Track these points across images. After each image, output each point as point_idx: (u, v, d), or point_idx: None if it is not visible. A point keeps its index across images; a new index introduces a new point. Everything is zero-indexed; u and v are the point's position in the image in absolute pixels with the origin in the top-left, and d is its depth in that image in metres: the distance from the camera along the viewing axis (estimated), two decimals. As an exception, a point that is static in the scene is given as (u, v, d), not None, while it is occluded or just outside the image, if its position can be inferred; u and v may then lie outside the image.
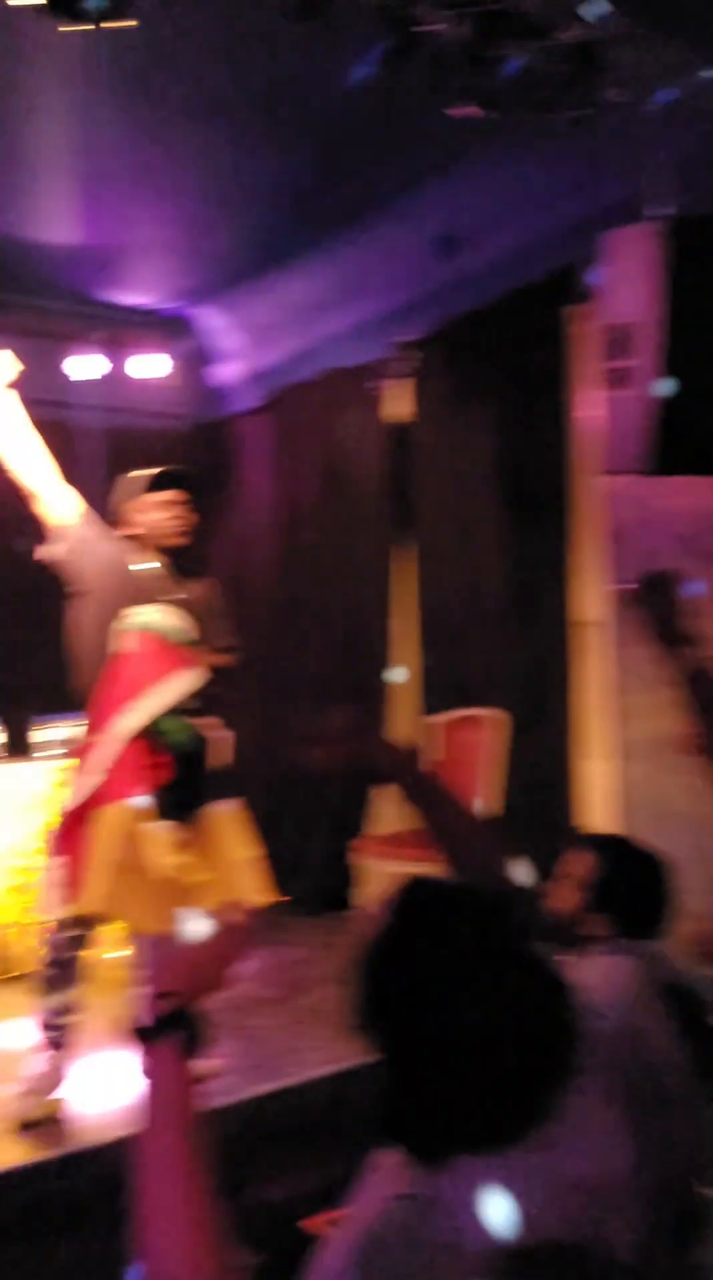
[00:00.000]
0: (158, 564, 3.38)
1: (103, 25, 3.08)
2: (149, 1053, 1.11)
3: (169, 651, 3.17)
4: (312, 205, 4.98)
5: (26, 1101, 3.12)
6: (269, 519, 5.94)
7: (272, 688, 5.79)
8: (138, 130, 4.21)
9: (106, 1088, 3.31)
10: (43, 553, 3.35)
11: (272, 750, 5.76)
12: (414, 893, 1.20)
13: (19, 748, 4.82)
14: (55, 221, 4.96)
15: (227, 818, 3.28)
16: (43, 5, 2.93)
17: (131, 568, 3.34)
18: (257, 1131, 3.07)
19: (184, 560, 3.46)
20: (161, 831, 3.10)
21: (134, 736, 3.07)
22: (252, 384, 6.22)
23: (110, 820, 3.03)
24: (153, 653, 3.14)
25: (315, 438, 5.59)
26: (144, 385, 6.23)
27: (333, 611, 5.51)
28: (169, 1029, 1.11)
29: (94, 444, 6.00)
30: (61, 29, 3.01)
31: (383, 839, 4.90)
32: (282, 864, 5.53)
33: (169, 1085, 1.10)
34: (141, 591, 3.30)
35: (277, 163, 4.53)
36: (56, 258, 5.30)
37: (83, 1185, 2.82)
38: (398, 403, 5.25)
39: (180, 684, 3.16)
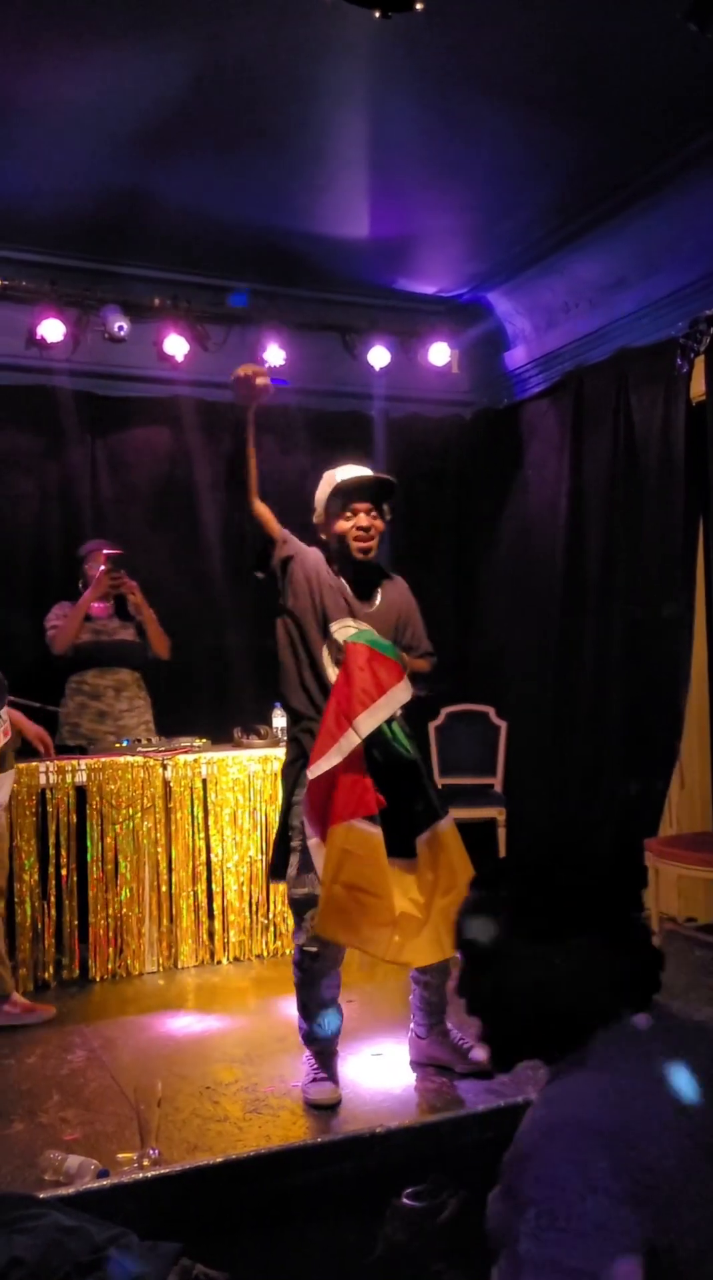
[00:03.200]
0: (345, 576, 3.32)
1: (390, 14, 3.07)
2: None
3: (388, 663, 3.15)
4: (606, 181, 4.80)
5: (304, 1088, 3.19)
6: (557, 508, 5.77)
7: (557, 680, 5.65)
8: (431, 116, 4.21)
9: (371, 1079, 3.32)
10: (258, 573, 3.39)
11: (556, 744, 5.63)
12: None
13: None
14: (352, 216, 5.06)
15: (449, 836, 3.22)
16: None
17: (328, 580, 3.30)
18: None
19: (371, 571, 3.38)
20: (390, 858, 3.08)
21: (358, 757, 3.07)
22: (540, 368, 6.09)
23: (337, 840, 3.03)
24: (377, 663, 3.12)
25: (607, 421, 5.38)
26: (432, 372, 6.25)
27: (624, 609, 5.27)
28: None
29: (384, 433, 6.10)
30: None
31: (675, 840, 4.65)
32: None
33: None
34: (337, 605, 3.27)
35: (571, 139, 4.39)
36: (351, 251, 5.40)
37: (340, 1173, 2.83)
38: (695, 381, 4.94)
39: (402, 694, 3.14)
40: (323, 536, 3.38)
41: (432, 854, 3.16)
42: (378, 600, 3.35)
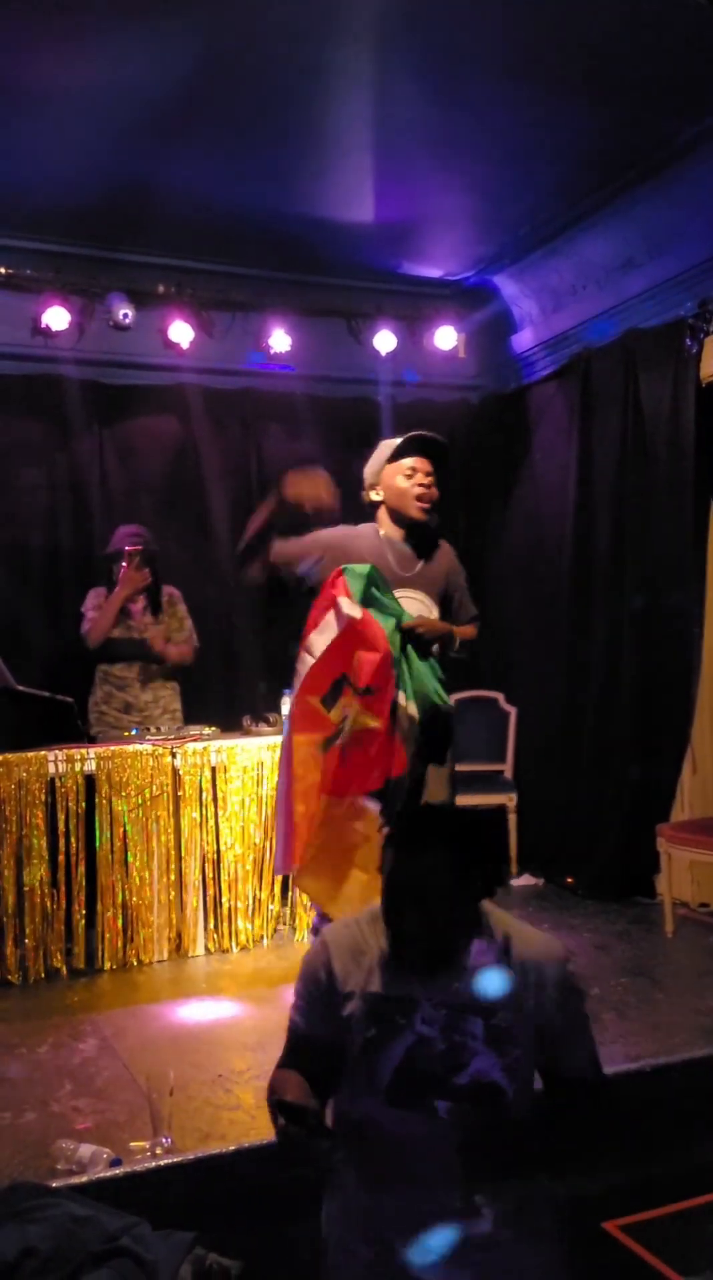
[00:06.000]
0: (389, 545, 3.32)
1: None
2: None
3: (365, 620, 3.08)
4: (613, 161, 4.75)
5: None
6: (566, 492, 5.73)
7: (567, 664, 5.62)
8: (436, 98, 4.16)
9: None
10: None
11: (567, 729, 5.61)
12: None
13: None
14: (357, 200, 5.02)
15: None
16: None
17: (370, 556, 3.28)
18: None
19: (423, 534, 3.36)
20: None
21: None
22: (548, 350, 6.04)
23: (344, 816, 3.06)
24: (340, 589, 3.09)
25: (616, 403, 5.33)
26: (439, 356, 6.21)
27: (634, 592, 5.23)
28: None
29: (391, 418, 6.06)
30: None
31: (688, 825, 4.62)
32: (576, 847, 5.42)
33: None
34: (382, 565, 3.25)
35: (578, 120, 4.34)
36: (356, 235, 5.36)
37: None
38: (705, 361, 4.90)
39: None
40: (376, 498, 3.35)
41: None
42: (424, 563, 3.34)
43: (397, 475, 3.29)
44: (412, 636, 3.18)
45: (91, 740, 4.57)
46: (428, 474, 3.28)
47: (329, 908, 3.04)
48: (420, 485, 3.26)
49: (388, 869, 1.88)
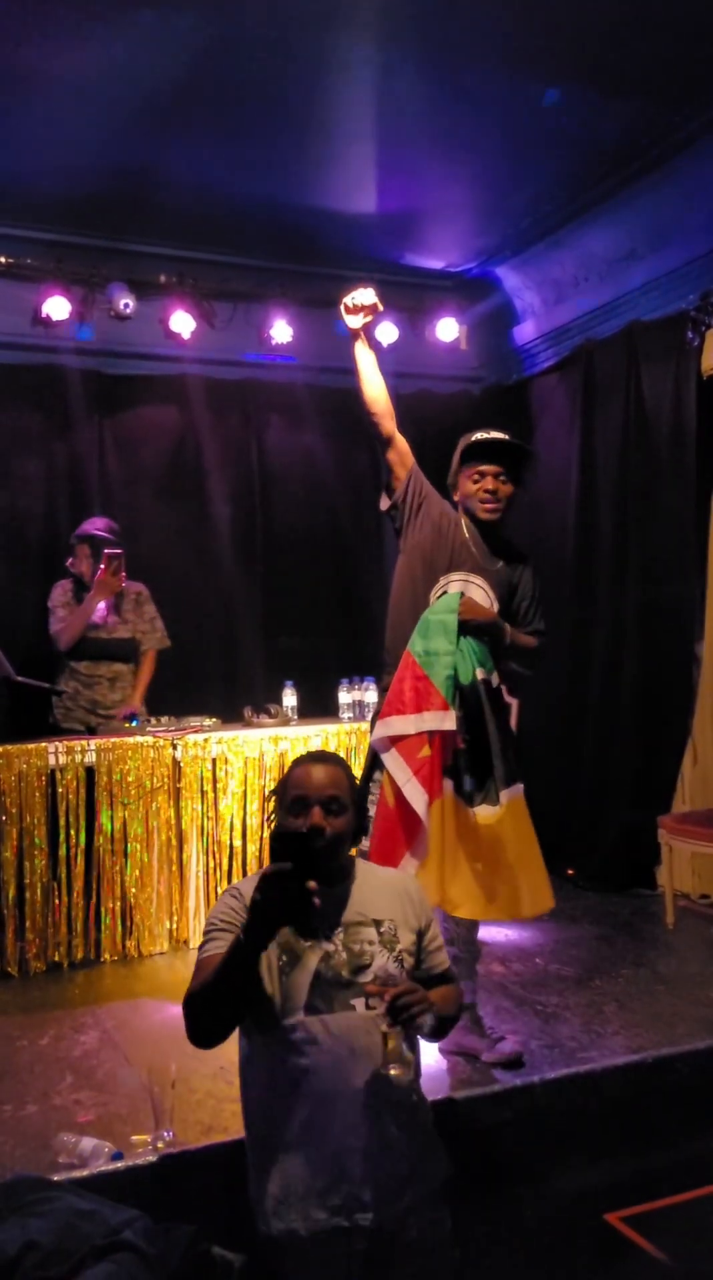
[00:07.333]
0: (470, 533, 3.32)
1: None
2: None
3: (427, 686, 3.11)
4: (616, 154, 4.73)
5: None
6: (568, 484, 5.71)
7: (569, 656, 5.61)
8: (439, 89, 4.14)
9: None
10: (382, 503, 3.41)
11: (568, 721, 5.60)
12: None
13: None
14: (359, 190, 5.00)
15: (516, 806, 3.22)
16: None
17: (456, 529, 3.32)
18: (555, 1117, 2.96)
19: (497, 534, 3.37)
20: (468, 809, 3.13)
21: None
22: (549, 343, 6.02)
23: (436, 816, 3.06)
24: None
25: (618, 395, 5.31)
26: (441, 348, 6.19)
27: (636, 584, 5.23)
28: None
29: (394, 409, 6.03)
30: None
31: (689, 817, 4.62)
32: (577, 839, 5.41)
33: None
34: (465, 554, 3.27)
35: (581, 111, 4.32)
36: (359, 226, 5.33)
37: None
38: (707, 354, 4.89)
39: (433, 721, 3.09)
40: (456, 497, 3.38)
41: (493, 818, 3.17)
42: (503, 563, 3.35)
43: (467, 479, 3.32)
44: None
45: (92, 731, 4.56)
46: (497, 475, 3.29)
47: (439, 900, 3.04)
48: (486, 490, 3.27)
49: (302, 782, 2.23)
